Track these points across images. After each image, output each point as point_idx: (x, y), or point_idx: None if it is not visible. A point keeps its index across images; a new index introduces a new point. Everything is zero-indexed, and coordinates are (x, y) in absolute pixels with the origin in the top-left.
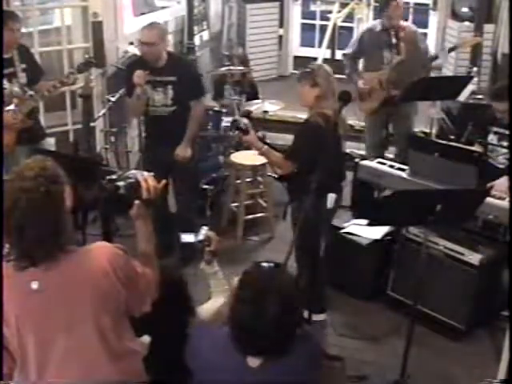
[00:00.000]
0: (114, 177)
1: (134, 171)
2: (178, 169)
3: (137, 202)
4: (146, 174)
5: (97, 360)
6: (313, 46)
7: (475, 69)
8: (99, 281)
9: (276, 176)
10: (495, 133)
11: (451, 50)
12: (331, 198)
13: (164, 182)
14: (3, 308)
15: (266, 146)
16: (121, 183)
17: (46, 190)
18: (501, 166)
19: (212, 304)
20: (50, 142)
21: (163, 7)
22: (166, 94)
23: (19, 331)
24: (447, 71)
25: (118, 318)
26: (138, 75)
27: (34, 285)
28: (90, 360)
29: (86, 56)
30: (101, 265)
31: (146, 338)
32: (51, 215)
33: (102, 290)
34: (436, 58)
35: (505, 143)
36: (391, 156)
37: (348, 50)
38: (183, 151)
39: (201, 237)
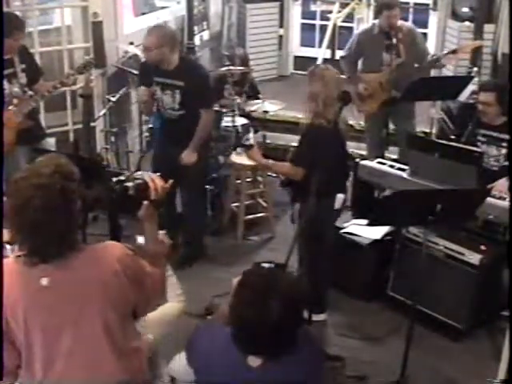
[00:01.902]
0: (122, 178)
1: (140, 172)
2: (185, 171)
3: (145, 202)
4: (152, 174)
5: (103, 358)
6: (313, 46)
7: (475, 69)
8: (109, 280)
9: (281, 183)
10: (483, 135)
11: (452, 53)
12: (340, 198)
13: (171, 181)
14: (12, 303)
15: (270, 161)
16: (130, 184)
17: (61, 187)
18: (494, 169)
19: (162, 309)
20: (50, 142)
21: (163, 7)
22: (173, 98)
23: (26, 327)
24: (447, 71)
25: (124, 317)
26: (142, 93)
27: (44, 281)
28: (96, 358)
29: (87, 57)
30: (111, 264)
31: (150, 337)
32: (65, 212)
33: (111, 289)
34: (438, 60)
35: (493, 145)
36: (392, 156)
37: (345, 53)
38: (187, 156)
39: None
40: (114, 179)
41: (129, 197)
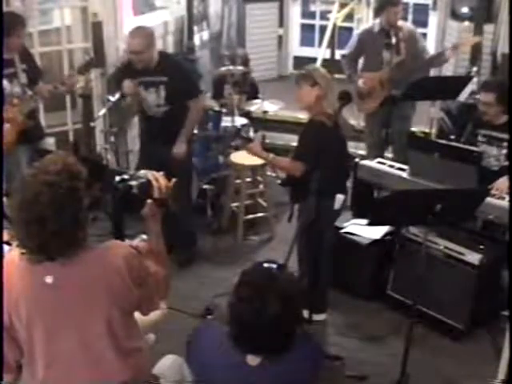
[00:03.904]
0: (126, 177)
1: (143, 171)
2: (172, 168)
3: (149, 201)
4: (156, 173)
5: (105, 357)
6: (313, 46)
7: (475, 69)
8: (113, 280)
9: (280, 182)
10: (483, 135)
11: (453, 48)
12: (339, 199)
13: (174, 180)
14: (15, 300)
15: (271, 155)
16: (133, 183)
17: (69, 186)
18: (494, 169)
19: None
20: (50, 142)
21: (163, 7)
22: (158, 94)
23: (29, 324)
24: (447, 71)
25: (127, 317)
26: (128, 86)
27: (48, 279)
28: (98, 357)
29: (87, 57)
30: (116, 264)
31: (151, 336)
32: (72, 211)
33: (116, 289)
34: (442, 54)
35: (494, 145)
36: (391, 156)
37: (347, 52)
38: (178, 148)
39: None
40: (118, 178)
41: (132, 195)
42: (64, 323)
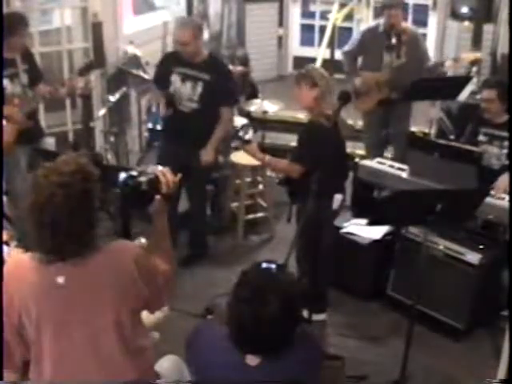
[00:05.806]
0: (134, 173)
1: (151, 167)
2: (194, 171)
3: (157, 197)
4: (163, 168)
5: (114, 356)
6: (312, 46)
7: (475, 69)
8: (124, 280)
9: (278, 181)
10: (485, 134)
11: (453, 61)
12: (337, 199)
13: (180, 175)
14: (26, 298)
15: (268, 156)
16: (143, 179)
17: (82, 187)
18: (495, 168)
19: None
20: (50, 142)
21: (163, 7)
22: (194, 89)
23: (38, 323)
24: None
25: (135, 316)
26: (157, 95)
27: (60, 279)
28: (106, 356)
29: (86, 61)
30: (126, 264)
31: (156, 334)
32: (85, 212)
33: (126, 289)
34: (441, 65)
35: (496, 144)
36: (390, 156)
37: (348, 48)
38: (207, 155)
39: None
40: (125, 175)
41: (141, 192)
42: (73, 323)
